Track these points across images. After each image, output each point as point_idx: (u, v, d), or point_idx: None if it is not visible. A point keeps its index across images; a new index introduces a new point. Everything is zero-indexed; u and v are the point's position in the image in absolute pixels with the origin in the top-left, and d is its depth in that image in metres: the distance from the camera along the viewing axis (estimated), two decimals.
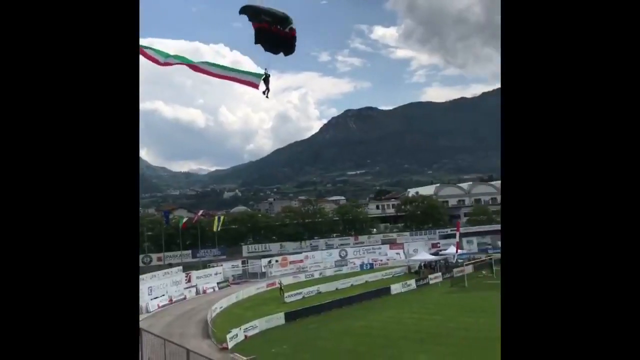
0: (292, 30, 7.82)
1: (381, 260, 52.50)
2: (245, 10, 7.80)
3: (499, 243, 58.27)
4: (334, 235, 58.99)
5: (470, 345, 19.21)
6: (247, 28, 7.77)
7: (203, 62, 8.47)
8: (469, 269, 39.32)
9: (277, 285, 37.72)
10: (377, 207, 74.17)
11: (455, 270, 39.53)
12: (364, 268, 49.66)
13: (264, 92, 8.42)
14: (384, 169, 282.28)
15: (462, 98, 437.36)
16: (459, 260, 44.13)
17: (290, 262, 50.40)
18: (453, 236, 49.33)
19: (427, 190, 76.61)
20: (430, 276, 38.62)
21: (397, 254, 54.38)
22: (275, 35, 7.71)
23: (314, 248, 54.77)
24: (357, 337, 21.99)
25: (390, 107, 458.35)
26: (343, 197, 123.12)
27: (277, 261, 50.16)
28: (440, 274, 39.58)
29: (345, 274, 45.54)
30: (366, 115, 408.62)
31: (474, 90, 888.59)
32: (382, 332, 22.80)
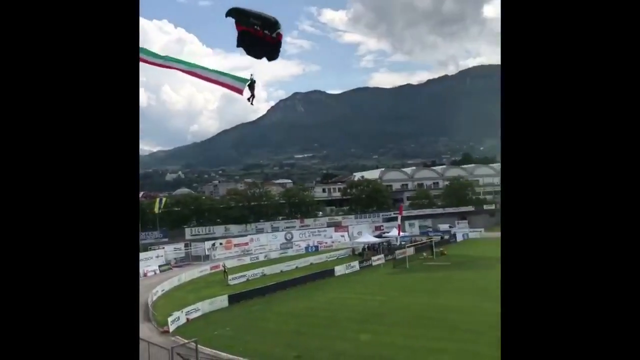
0: (279, 35, 7.54)
1: (326, 243, 53.11)
2: (232, 12, 7.45)
3: (439, 226, 60.62)
4: (280, 218, 58.96)
5: (409, 324, 19.88)
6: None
7: (191, 64, 8.18)
8: (410, 251, 40.52)
9: (221, 268, 37.30)
10: (324, 191, 74.70)
11: (397, 252, 40.62)
12: (310, 250, 50.05)
13: (248, 99, 8.18)
14: (331, 152, 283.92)
15: (408, 84, 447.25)
16: (402, 243, 45.39)
17: (235, 245, 49.93)
18: (396, 219, 50.60)
19: (372, 175, 77.93)
20: (373, 258, 39.49)
21: (342, 236, 55.19)
22: (261, 40, 7.44)
23: (260, 231, 54.53)
24: (300, 318, 22.16)
25: (338, 91, 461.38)
26: (290, 180, 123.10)
27: (221, 244, 49.51)
28: (382, 255, 40.53)
29: (291, 256, 45.66)
30: (314, 98, 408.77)
31: (419, 77, 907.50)
32: (326, 312, 23.11)
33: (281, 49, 7.73)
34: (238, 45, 7.54)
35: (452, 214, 63.51)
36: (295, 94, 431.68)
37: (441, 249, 43.27)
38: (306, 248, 50.84)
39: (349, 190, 66.61)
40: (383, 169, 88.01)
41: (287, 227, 55.99)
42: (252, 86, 8.15)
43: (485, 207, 67.28)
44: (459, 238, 53.33)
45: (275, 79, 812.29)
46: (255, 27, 7.31)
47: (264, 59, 7.89)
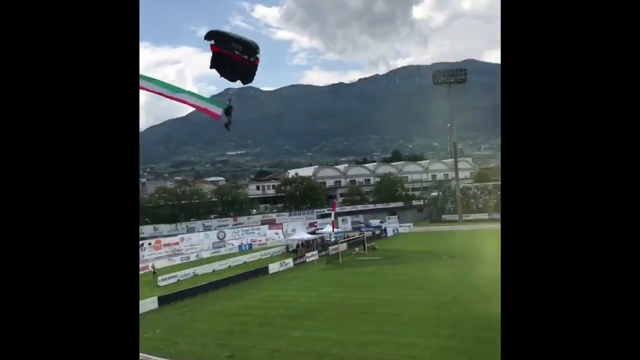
0: (257, 59, 7.39)
1: (260, 241, 52.65)
2: (212, 35, 7.20)
3: (371, 221, 62.18)
4: (212, 216, 57.71)
5: (342, 319, 20.21)
6: None
7: (163, 83, 7.77)
8: (343, 246, 41.19)
9: (150, 269, 35.86)
10: (258, 188, 74.16)
11: (330, 248, 41.14)
12: (243, 249, 49.40)
13: (226, 125, 7.96)
14: (264, 150, 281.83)
15: (340, 83, 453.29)
16: (335, 239, 46.05)
17: (165, 245, 48.11)
18: (330, 215, 51.25)
19: (306, 172, 78.38)
20: (307, 254, 39.73)
21: (276, 234, 54.95)
22: (237, 63, 7.26)
23: (191, 230, 53.01)
24: (233, 317, 21.85)
25: (271, 88, 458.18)
26: (222, 178, 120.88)
27: (150, 244, 47.56)
28: (316, 252, 40.90)
29: (223, 255, 44.78)
30: (247, 95, 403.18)
31: (351, 76, 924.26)
32: (259, 310, 22.95)
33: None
34: (212, 67, 7.40)
35: (383, 210, 65.32)
36: (228, 89, 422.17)
37: (372, 244, 44.41)
38: (239, 246, 50.12)
39: (283, 188, 66.52)
40: (317, 166, 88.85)
41: (220, 226, 54.86)
42: (228, 111, 7.97)
43: (414, 202, 69.92)
44: (390, 233, 54.99)
45: (206, 74, 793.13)
46: (236, 51, 7.21)
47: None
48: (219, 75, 7.43)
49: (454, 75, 64.58)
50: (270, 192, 71.39)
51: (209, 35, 7.25)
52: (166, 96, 7.83)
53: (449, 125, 66.15)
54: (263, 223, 57.12)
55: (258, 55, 7.39)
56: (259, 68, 7.50)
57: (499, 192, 67.16)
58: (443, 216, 65.06)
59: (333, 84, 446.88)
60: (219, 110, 7.88)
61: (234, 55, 7.22)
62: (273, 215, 60.10)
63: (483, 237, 42.74)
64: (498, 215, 60.33)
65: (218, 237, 52.09)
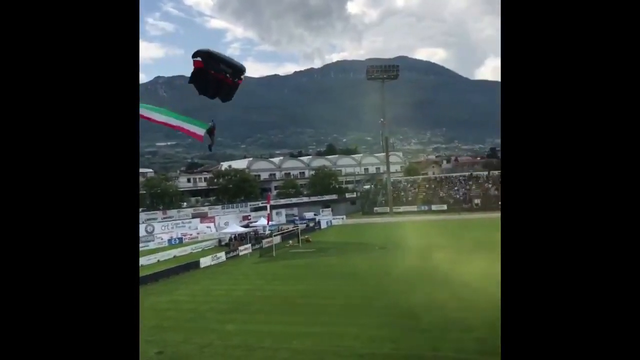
0: (240, 80, 7.40)
1: (191, 235, 51.36)
2: (201, 54, 7.03)
3: (305, 214, 62.58)
4: (140, 209, 55.41)
5: (275, 311, 20.22)
6: None
7: (147, 107, 7.72)
8: (277, 239, 41.11)
9: None
10: (189, 181, 72.03)
11: (264, 241, 40.93)
12: (173, 243, 47.96)
13: (209, 146, 8.04)
14: (196, 141, 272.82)
15: (275, 75, 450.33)
16: (269, 232, 45.88)
17: None
18: (264, 208, 50.97)
19: (240, 164, 77.25)
20: (240, 248, 39.26)
21: (208, 227, 53.82)
22: (221, 82, 7.20)
23: None
24: (162, 313, 21.15)
25: None
26: (151, 170, 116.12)
27: None
28: (249, 245, 40.52)
29: (152, 249, 43.20)
30: (178, 84, 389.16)
31: (286, 69, 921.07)
32: (190, 305, 22.40)
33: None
34: (191, 82, 7.27)
35: (317, 203, 65.94)
36: (158, 77, 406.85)
37: (306, 236, 44.72)
38: (169, 240, 48.61)
39: (215, 180, 65.18)
40: (251, 159, 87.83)
41: (148, 219, 52.81)
42: (211, 132, 8.12)
43: (347, 195, 71.18)
44: (323, 225, 55.62)
45: None
46: (226, 74, 7.24)
47: None
48: (198, 92, 7.39)
49: (387, 71, 66.26)
50: (202, 184, 69.64)
51: (197, 54, 7.17)
52: (149, 119, 7.86)
53: (381, 120, 67.92)
54: (194, 216, 55.70)
55: (242, 77, 7.49)
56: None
57: (427, 185, 70.05)
58: (375, 208, 66.80)
59: (268, 76, 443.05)
60: (201, 131, 8.04)
61: (220, 76, 7.24)
62: (205, 209, 58.74)
63: (412, 228, 44.48)
64: (426, 207, 62.94)
65: (146, 231, 50.14)
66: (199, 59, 7.05)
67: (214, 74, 7.15)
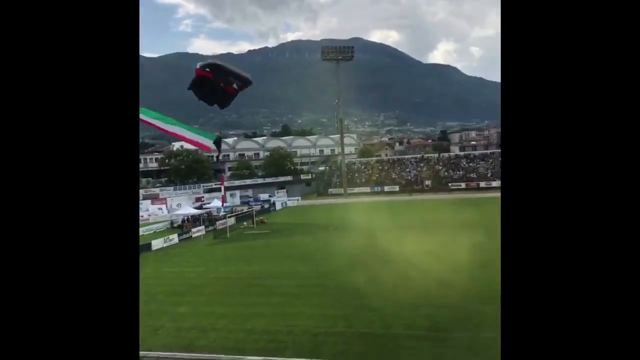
0: (245, 90, 7.44)
1: (142, 217, 50.05)
2: (211, 66, 7.06)
3: (260, 195, 62.30)
4: None
5: (229, 293, 20.19)
6: None
7: (158, 116, 7.95)
8: (231, 221, 40.82)
9: None
10: (139, 161, 69.82)
11: (218, 223, 40.52)
12: None
13: (217, 157, 7.71)
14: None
15: (229, 53, 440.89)
16: (223, 213, 45.44)
17: None
18: (218, 190, 50.29)
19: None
20: (193, 230, 38.73)
21: (159, 209, 52.66)
22: (222, 89, 7.21)
23: None
24: None
25: (155, 55, 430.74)
26: None
27: None
28: (203, 227, 40.04)
29: None
30: None
31: (240, 47, 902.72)
32: (142, 288, 21.78)
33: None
34: (190, 89, 7.24)
35: (272, 184, 65.74)
36: None
37: (261, 217, 44.65)
38: None
39: (167, 161, 63.60)
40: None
41: None
42: (217, 143, 8.37)
43: (302, 176, 71.34)
44: (278, 207, 55.67)
45: None
46: (234, 85, 7.27)
47: None
48: (198, 97, 7.40)
49: (342, 52, 66.24)
50: (153, 165, 67.77)
51: (207, 66, 7.19)
52: (158, 127, 8.25)
53: (336, 101, 68.08)
54: (145, 198, 54.20)
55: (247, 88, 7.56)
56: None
57: (380, 167, 71.26)
58: (330, 190, 67.41)
59: (221, 54, 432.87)
60: (209, 143, 8.34)
61: (228, 88, 7.30)
62: (156, 190, 57.29)
63: (364, 209, 45.27)
64: (379, 189, 64.14)
65: None
66: (207, 70, 7.16)
67: (223, 86, 7.27)
